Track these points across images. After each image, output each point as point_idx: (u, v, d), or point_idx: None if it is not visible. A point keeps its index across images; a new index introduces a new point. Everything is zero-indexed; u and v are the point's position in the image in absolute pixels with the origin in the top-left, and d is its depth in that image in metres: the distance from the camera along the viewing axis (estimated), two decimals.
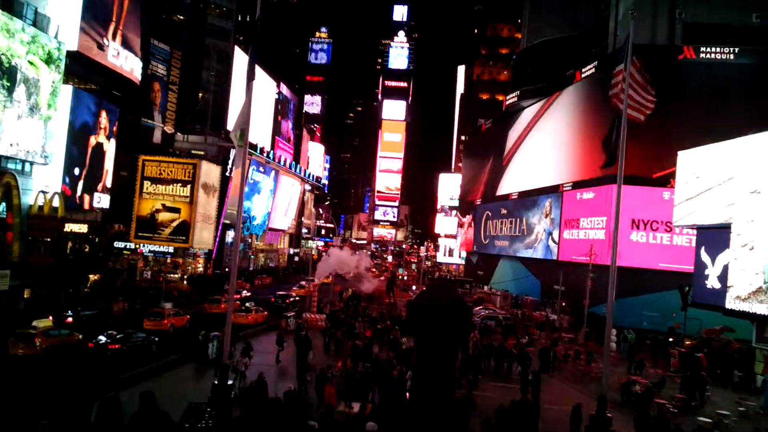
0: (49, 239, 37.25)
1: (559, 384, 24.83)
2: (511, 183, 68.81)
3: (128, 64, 48.44)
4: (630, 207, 43.19)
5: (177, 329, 30.08)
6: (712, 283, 32.12)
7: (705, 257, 33.01)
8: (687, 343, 32.44)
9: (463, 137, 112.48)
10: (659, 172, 42.28)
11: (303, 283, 49.71)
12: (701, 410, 21.23)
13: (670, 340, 34.70)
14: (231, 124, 61.38)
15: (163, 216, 53.41)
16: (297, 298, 43.69)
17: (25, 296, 32.94)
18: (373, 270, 75.85)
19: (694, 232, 36.00)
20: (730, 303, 29.47)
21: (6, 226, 34.02)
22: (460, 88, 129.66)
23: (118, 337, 24.02)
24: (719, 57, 45.04)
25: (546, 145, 59.97)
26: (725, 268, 30.59)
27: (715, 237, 31.77)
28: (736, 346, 30.44)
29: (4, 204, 33.94)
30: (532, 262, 60.70)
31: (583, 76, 53.24)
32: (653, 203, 43.98)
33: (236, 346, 22.52)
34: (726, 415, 19.46)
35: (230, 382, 15.96)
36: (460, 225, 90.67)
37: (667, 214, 38.62)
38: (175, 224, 53.44)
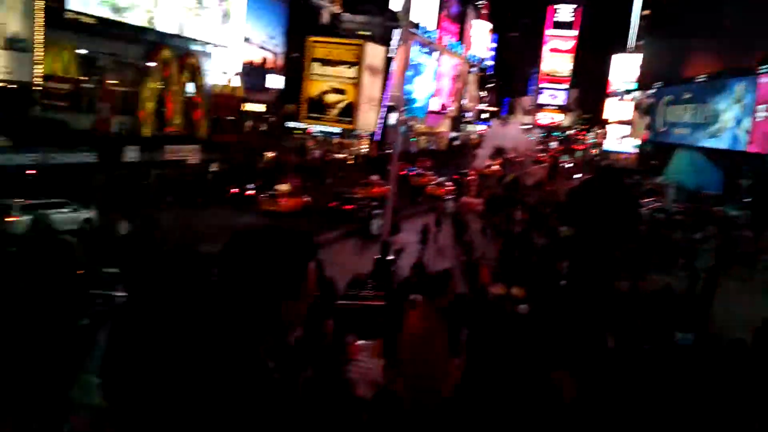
0: (230, 118, 40.45)
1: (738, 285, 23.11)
2: (698, 62, 61.62)
3: None
4: None
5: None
6: None
7: None
8: None
9: (646, 11, 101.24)
10: None
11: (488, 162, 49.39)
12: None
13: None
14: (393, 2, 60.33)
15: (331, 97, 55.18)
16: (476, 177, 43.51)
17: (211, 169, 36.56)
18: (541, 155, 73.63)
19: None
20: None
21: (195, 105, 37.39)
22: None
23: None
24: None
25: (747, 16, 52.18)
26: None
27: None
28: None
29: (193, 84, 37.12)
30: (715, 153, 55.14)
31: None
32: None
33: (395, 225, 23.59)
34: None
35: (390, 257, 16.91)
36: (636, 110, 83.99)
37: None
38: (341, 105, 55.12)
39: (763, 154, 44.00)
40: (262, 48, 46.46)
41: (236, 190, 32.13)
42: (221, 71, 39.95)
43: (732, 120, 52.66)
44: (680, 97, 64.87)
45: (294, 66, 53.03)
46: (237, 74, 40.66)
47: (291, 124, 55.57)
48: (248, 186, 32.65)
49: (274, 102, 49.65)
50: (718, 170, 53.41)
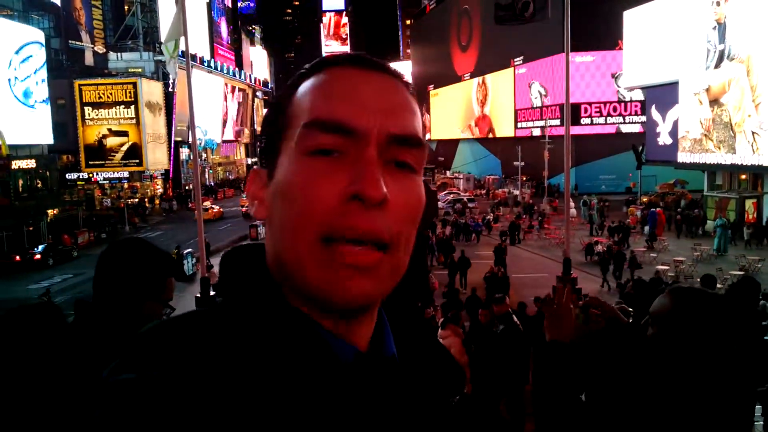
0: None
1: (527, 253, 25.97)
2: (463, 64, 68.01)
3: None
4: (583, 74, 43.42)
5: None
6: (664, 139, 33.16)
7: (656, 115, 33.83)
8: (644, 199, 33.84)
9: (408, 21, 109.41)
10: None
11: None
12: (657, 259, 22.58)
13: (628, 198, 36.15)
14: (164, 36, 58.21)
15: (112, 141, 51.68)
16: None
17: None
18: None
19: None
20: (682, 156, 30.64)
21: None
22: None
23: None
24: None
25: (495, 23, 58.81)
26: (675, 124, 31.53)
27: (664, 94, 32.44)
28: (690, 197, 31.96)
29: None
30: (491, 142, 61.36)
31: None
32: (606, 67, 44.25)
33: (210, 260, 22.76)
34: (682, 261, 20.79)
35: (213, 293, 16.28)
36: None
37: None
38: (125, 148, 51.86)
39: (527, 137, 49.84)
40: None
41: (18, 258, 28.66)
42: None
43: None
44: (449, 96, 71.14)
45: (66, 112, 48.76)
46: None
47: (72, 176, 50.95)
48: (34, 250, 29.36)
49: (46, 155, 45.15)
50: (495, 157, 59.49)
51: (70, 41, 54.96)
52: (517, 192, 44.50)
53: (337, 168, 0.65)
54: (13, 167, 38.86)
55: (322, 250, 0.64)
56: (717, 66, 27.60)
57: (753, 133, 25.76)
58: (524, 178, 45.57)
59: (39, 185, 44.51)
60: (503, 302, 6.75)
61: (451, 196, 42.37)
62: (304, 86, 0.71)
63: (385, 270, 0.66)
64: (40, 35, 44.01)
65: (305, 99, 0.70)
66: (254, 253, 0.74)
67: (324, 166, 0.65)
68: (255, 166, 0.76)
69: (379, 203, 0.63)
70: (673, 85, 30.85)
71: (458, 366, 0.80)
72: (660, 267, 19.93)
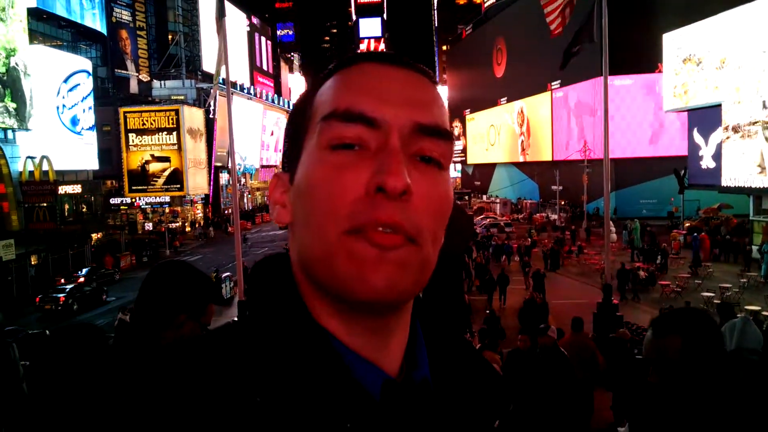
0: (45, 204, 37.14)
1: (566, 280, 25.51)
2: (499, 88, 67.93)
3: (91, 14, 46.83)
4: (620, 96, 42.91)
5: None
6: (707, 163, 32.40)
7: (698, 138, 33.13)
8: (687, 224, 32.99)
9: (444, 47, 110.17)
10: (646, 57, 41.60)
11: None
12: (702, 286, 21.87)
13: (670, 224, 35.31)
14: (206, 64, 59.86)
15: (154, 166, 52.97)
16: None
17: (33, 262, 33.23)
18: None
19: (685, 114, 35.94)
20: (726, 180, 29.86)
21: (0, 197, 33.90)
22: None
23: None
24: None
25: (533, 47, 58.70)
26: (719, 147, 30.79)
27: (706, 117, 31.79)
28: (735, 222, 31.03)
29: None
30: (528, 166, 60.87)
31: None
32: (644, 90, 43.66)
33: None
34: (728, 288, 20.11)
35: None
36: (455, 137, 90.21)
37: (657, 99, 38.45)
38: (167, 173, 53.08)
39: (565, 161, 49.28)
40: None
41: (63, 280, 29.43)
42: (27, 156, 36.70)
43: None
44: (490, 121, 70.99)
45: (111, 139, 50.36)
46: (44, 158, 37.53)
47: (116, 200, 52.34)
48: (78, 273, 30.14)
49: (91, 181, 46.49)
50: (533, 181, 58.93)
51: (116, 70, 56.85)
52: (555, 216, 43.93)
53: (359, 161, 0.63)
54: (59, 192, 40.04)
55: (351, 241, 0.61)
56: None
57: None
58: (562, 203, 44.96)
59: (84, 210, 45.77)
60: (546, 333, 6.65)
61: (488, 220, 42.04)
62: (325, 85, 0.70)
63: (413, 261, 0.63)
64: (87, 64, 45.62)
65: (326, 94, 0.68)
66: (283, 262, 0.72)
67: (347, 159, 0.63)
68: (276, 171, 0.73)
69: (402, 194, 0.61)
70: (715, 108, 30.22)
71: (501, 380, 0.77)
72: (705, 294, 19.34)
